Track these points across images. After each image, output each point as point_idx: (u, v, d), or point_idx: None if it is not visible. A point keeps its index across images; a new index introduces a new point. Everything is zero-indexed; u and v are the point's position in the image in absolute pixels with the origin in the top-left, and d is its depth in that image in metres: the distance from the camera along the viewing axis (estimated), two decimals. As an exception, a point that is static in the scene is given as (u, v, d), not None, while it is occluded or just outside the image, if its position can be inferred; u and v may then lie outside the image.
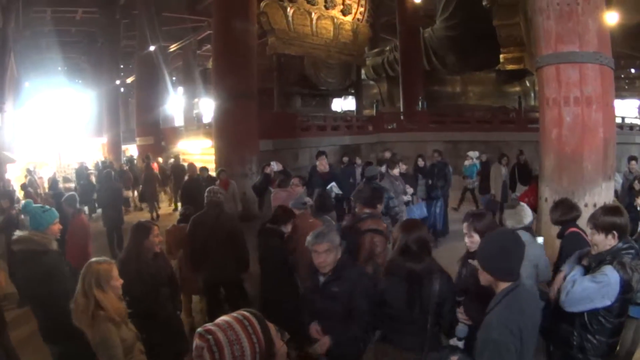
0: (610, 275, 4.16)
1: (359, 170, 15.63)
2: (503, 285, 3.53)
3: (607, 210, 4.64)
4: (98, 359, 4.56)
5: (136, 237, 6.02)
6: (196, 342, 2.27)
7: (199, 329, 2.31)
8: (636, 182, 10.50)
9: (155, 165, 22.84)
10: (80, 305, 4.55)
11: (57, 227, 6.43)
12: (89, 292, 4.53)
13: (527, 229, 5.94)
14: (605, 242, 4.41)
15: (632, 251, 4.39)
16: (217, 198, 8.11)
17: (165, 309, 6.14)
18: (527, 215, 5.90)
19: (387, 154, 16.40)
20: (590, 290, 4.21)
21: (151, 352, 5.20)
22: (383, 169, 12.03)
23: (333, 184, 10.96)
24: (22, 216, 11.25)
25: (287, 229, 7.07)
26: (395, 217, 9.67)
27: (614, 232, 4.36)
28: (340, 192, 10.82)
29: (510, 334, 3.30)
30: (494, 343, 3.32)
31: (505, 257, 3.52)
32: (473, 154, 17.48)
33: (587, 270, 4.47)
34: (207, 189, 8.37)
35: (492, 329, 3.36)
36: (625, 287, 4.20)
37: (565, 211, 6.01)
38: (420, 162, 14.61)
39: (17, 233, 6.12)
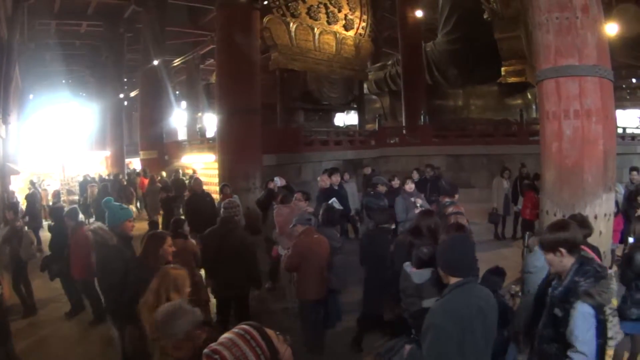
0: (589, 312, 4.07)
1: (349, 186, 15.02)
2: (453, 280, 3.98)
3: (551, 226, 4.60)
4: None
5: (151, 245, 6.17)
6: None
7: (206, 350, 2.39)
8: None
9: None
10: (149, 302, 4.86)
11: (130, 224, 7.58)
12: (162, 293, 4.86)
13: None
14: (555, 259, 4.38)
15: (588, 273, 4.20)
16: (232, 213, 8.25)
17: None
18: None
19: (367, 170, 16.50)
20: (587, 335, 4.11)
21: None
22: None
23: (334, 199, 11.03)
24: (26, 228, 11.37)
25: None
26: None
27: (560, 249, 4.32)
28: (340, 207, 10.84)
29: (451, 321, 3.70)
30: (435, 327, 3.73)
31: (453, 257, 4.04)
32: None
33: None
34: (225, 203, 8.62)
35: (435, 315, 3.79)
36: (599, 312, 4.14)
37: None
38: (415, 176, 14.48)
39: (95, 224, 7.39)
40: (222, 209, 8.32)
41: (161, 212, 18.63)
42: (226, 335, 2.44)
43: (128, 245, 7.46)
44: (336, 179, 12.07)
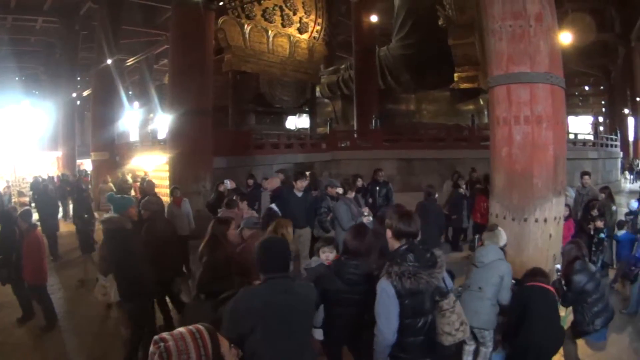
0: (385, 287, 4.46)
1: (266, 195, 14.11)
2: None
3: (398, 212, 4.97)
4: None
5: (219, 228, 7.24)
6: (151, 348, 2.34)
7: (155, 337, 2.38)
8: (595, 210, 10.74)
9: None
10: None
11: (134, 210, 8.57)
12: (279, 231, 7.03)
13: (501, 248, 6.43)
14: (387, 236, 4.82)
15: (402, 257, 4.52)
16: (155, 207, 8.57)
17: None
18: (503, 239, 6.48)
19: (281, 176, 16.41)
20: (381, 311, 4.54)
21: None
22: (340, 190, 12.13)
23: (273, 205, 11.10)
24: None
25: None
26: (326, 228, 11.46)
27: (387, 229, 4.75)
28: (279, 213, 10.83)
29: (240, 310, 4.15)
30: (227, 312, 4.23)
31: (260, 257, 4.40)
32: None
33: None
34: (143, 202, 9.12)
35: (232, 301, 4.30)
36: (399, 294, 4.43)
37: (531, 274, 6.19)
38: (359, 183, 14.12)
39: (106, 214, 8.31)
40: (145, 209, 8.56)
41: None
42: (180, 328, 2.46)
43: (136, 228, 8.22)
44: (301, 184, 11.86)
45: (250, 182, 15.44)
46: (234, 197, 11.44)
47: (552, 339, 5.89)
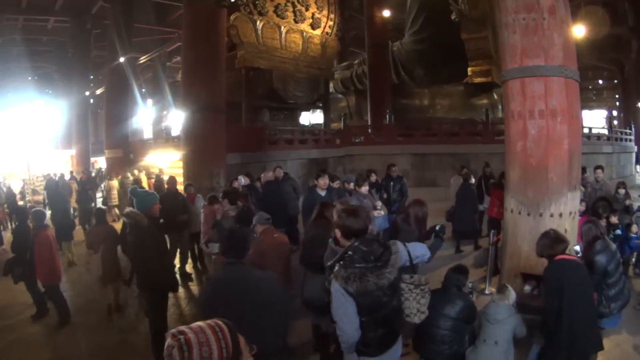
0: (338, 289, 4.38)
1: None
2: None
3: (343, 209, 4.90)
4: None
5: (330, 211, 7.01)
6: (168, 341, 2.32)
7: (173, 330, 2.37)
8: (612, 217, 10.56)
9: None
10: (341, 213, 6.60)
11: (157, 207, 8.34)
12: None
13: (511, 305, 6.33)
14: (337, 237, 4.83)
15: (348, 259, 4.44)
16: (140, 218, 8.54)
17: None
18: (513, 297, 6.27)
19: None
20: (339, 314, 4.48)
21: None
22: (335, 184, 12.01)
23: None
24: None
25: None
26: None
27: (336, 229, 4.75)
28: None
29: (213, 286, 4.84)
30: (204, 289, 4.69)
31: (224, 242, 5.03)
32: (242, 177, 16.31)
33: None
34: (126, 214, 8.57)
35: (207, 281, 4.80)
36: (351, 294, 4.33)
37: (550, 244, 6.02)
38: (373, 178, 14.05)
39: (127, 209, 8.24)
40: (132, 219, 8.51)
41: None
42: (198, 322, 2.44)
43: (157, 225, 8.29)
44: (323, 181, 11.70)
45: (247, 180, 15.21)
46: (214, 195, 12.25)
47: (592, 310, 5.93)
